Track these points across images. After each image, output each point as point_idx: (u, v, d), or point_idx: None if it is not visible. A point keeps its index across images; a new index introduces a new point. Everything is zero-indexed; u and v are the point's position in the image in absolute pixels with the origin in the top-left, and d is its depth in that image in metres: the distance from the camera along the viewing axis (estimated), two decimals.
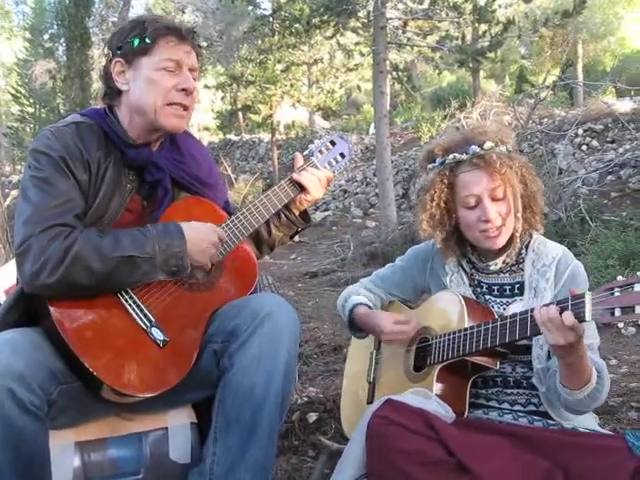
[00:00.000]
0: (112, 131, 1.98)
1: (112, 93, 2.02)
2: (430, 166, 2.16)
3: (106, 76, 2.02)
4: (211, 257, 1.95)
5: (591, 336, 1.93)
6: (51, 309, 1.75)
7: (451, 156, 2.08)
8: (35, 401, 1.65)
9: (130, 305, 1.86)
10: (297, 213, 2.27)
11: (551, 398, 1.94)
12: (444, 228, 2.13)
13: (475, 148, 2.03)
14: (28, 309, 1.86)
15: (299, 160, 2.24)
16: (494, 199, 2.02)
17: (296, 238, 2.43)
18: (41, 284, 1.73)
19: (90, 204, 1.90)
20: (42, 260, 1.72)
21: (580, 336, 1.69)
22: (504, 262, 2.11)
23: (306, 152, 2.29)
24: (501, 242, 2.06)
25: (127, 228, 1.91)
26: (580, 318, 1.65)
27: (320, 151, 2.30)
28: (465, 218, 2.07)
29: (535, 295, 2.02)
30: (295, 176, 2.19)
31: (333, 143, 2.34)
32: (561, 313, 1.68)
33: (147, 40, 1.94)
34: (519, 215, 2.04)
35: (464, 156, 2.05)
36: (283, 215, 2.25)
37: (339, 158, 2.33)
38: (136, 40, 1.94)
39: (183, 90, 1.97)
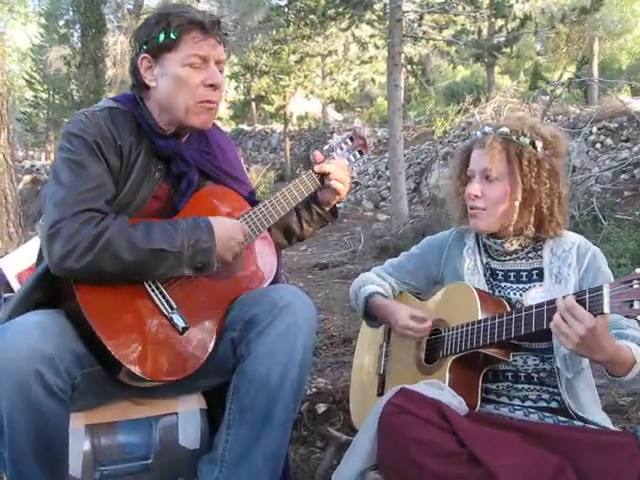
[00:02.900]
0: (143, 120, 1.98)
1: (140, 86, 2.00)
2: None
3: (134, 70, 1.99)
4: (234, 254, 1.95)
5: None
6: (77, 291, 1.76)
7: (473, 132, 2.19)
8: (61, 385, 1.66)
9: (153, 290, 1.86)
10: (327, 209, 2.28)
11: (576, 385, 1.94)
12: (460, 203, 2.21)
13: (487, 129, 2.11)
14: (50, 289, 1.86)
15: (318, 157, 2.22)
16: (487, 178, 2.07)
17: None
18: (68, 268, 1.73)
19: (119, 190, 1.90)
20: (72, 244, 1.72)
21: (596, 336, 1.66)
22: (520, 245, 2.12)
23: (326, 147, 2.28)
24: (483, 226, 2.11)
25: (153, 215, 1.93)
26: (598, 310, 1.64)
27: (340, 147, 2.29)
28: (465, 192, 2.15)
29: (558, 281, 2.02)
30: (317, 168, 2.19)
31: (352, 139, 2.33)
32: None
33: (172, 35, 1.90)
34: (516, 204, 2.04)
35: (478, 134, 2.14)
36: (314, 212, 2.26)
37: (357, 155, 2.33)
38: (161, 35, 1.91)
39: (210, 86, 1.95)
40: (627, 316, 1.63)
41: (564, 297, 1.71)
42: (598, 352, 1.70)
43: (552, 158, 2.07)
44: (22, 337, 1.64)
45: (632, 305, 1.58)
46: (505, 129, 2.07)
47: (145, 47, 1.95)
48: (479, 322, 1.96)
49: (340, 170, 2.20)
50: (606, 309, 1.62)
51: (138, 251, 1.77)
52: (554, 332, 1.72)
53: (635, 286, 1.58)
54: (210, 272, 1.89)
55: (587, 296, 1.67)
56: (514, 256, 2.13)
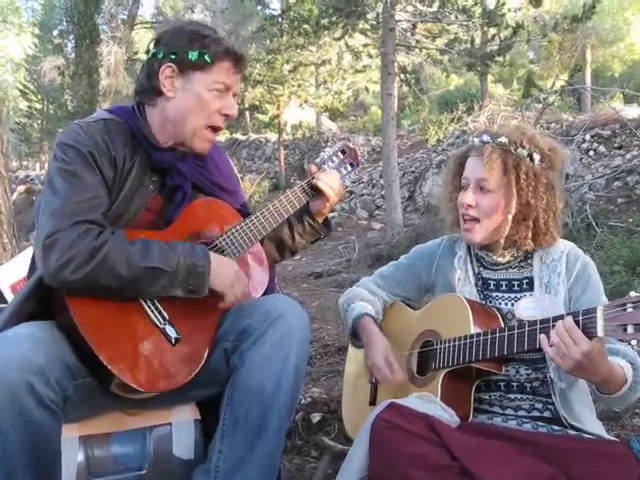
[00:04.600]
0: (139, 132, 1.98)
1: (150, 92, 1.99)
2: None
3: (150, 74, 1.98)
4: (224, 288, 1.92)
5: None
6: (69, 303, 1.75)
7: (471, 138, 2.16)
8: (52, 396, 1.65)
9: (146, 301, 1.86)
10: (320, 221, 2.28)
11: (570, 395, 1.94)
12: (453, 209, 2.19)
13: (485, 137, 2.08)
14: (44, 299, 1.85)
15: (313, 169, 2.24)
16: (481, 189, 2.05)
17: None
18: (64, 279, 1.72)
19: (112, 201, 1.90)
20: (69, 255, 1.72)
21: (591, 358, 1.65)
22: (512, 256, 2.12)
23: (318, 160, 2.30)
24: (476, 239, 2.09)
25: (146, 227, 1.93)
26: (592, 333, 1.63)
27: (332, 159, 2.31)
28: (457, 199, 2.14)
29: (548, 291, 2.02)
30: (313, 182, 2.19)
31: (344, 152, 2.34)
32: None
33: (207, 58, 1.93)
34: (510, 217, 2.04)
35: (476, 141, 2.11)
36: (307, 223, 2.26)
37: (349, 167, 2.34)
38: (195, 54, 1.93)
39: (225, 115, 2.00)
40: (621, 340, 1.63)
41: (564, 317, 1.70)
42: (593, 374, 1.70)
43: (548, 171, 2.07)
44: (12, 348, 1.63)
45: (625, 329, 1.57)
46: (504, 139, 2.05)
47: (173, 57, 1.95)
48: (471, 337, 1.95)
49: (329, 176, 2.21)
50: (600, 332, 1.61)
51: (134, 267, 1.77)
52: (549, 355, 1.71)
53: (629, 310, 1.58)
54: (201, 296, 1.88)
55: (581, 318, 1.67)
56: (506, 265, 2.13)
